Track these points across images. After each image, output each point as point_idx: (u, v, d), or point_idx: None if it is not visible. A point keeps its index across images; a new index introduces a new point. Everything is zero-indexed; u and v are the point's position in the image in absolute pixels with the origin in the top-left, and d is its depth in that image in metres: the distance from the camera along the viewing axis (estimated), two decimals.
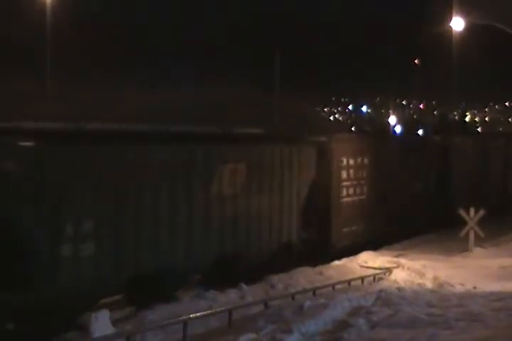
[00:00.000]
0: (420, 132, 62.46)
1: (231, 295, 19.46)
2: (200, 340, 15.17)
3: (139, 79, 57.56)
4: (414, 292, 19.74)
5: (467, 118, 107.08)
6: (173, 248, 18.85)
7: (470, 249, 28.40)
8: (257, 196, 21.99)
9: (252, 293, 19.94)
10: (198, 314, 15.71)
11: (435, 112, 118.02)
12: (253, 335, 13.78)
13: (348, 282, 22.04)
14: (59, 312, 15.43)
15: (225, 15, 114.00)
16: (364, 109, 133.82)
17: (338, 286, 21.21)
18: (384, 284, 22.04)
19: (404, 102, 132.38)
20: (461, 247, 28.42)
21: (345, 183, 27.54)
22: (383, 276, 23.42)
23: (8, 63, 45.13)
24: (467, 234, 28.53)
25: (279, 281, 21.49)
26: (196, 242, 19.61)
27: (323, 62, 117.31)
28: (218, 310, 16.66)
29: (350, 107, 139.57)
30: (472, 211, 28.58)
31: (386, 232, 29.42)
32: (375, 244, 28.17)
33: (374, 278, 23.16)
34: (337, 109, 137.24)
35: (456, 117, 71.68)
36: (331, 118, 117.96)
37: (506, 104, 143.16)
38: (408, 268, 24.13)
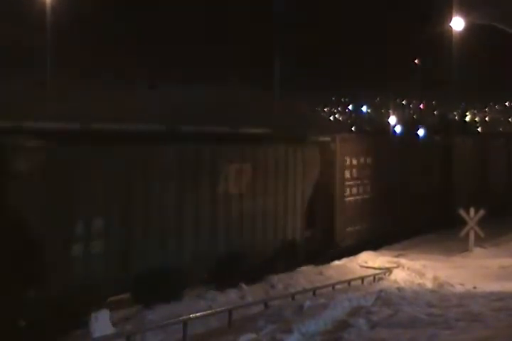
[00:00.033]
0: (420, 132, 62.41)
1: (231, 295, 19.47)
2: (200, 340, 15.17)
3: (139, 79, 57.53)
4: (414, 292, 19.74)
5: (467, 118, 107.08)
6: (180, 247, 19.08)
7: (470, 249, 28.41)
8: (262, 195, 22.19)
9: (252, 293, 19.95)
10: (198, 314, 15.72)
11: (435, 112, 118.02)
12: (253, 335, 13.78)
13: (348, 282, 22.04)
14: (69, 309, 15.65)
15: (225, 15, 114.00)
16: (364, 109, 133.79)
17: (338, 286, 21.21)
18: (384, 284, 22.04)
19: (404, 102, 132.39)
20: (461, 247, 28.42)
21: (348, 183, 27.76)
22: (383, 276, 23.43)
23: (8, 63, 45.10)
24: (467, 234, 28.54)
25: (279, 281, 21.50)
26: (203, 241, 19.84)
27: (323, 62, 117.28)
28: (218, 310, 16.67)
29: (350, 107, 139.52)
30: (472, 211, 28.59)
31: (389, 232, 29.58)
32: (378, 243, 28.34)
33: (374, 278, 23.17)
34: (337, 109, 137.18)
35: (456, 117, 71.68)
36: (331, 118, 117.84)
37: (506, 104, 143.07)
38: (408, 268, 24.14)
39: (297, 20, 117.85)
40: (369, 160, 28.97)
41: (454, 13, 41.97)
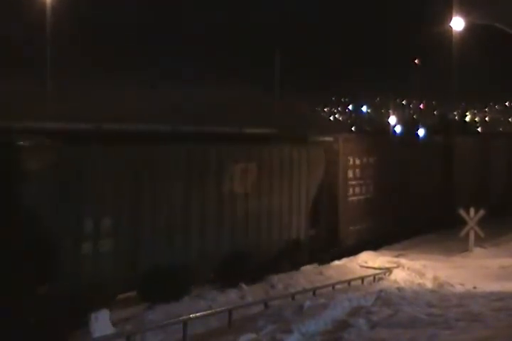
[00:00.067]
0: (420, 132, 62.41)
1: (231, 295, 19.47)
2: (200, 340, 15.17)
3: (139, 79, 57.54)
4: (414, 292, 19.74)
5: (467, 118, 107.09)
6: (186, 246, 19.31)
7: (470, 249, 28.41)
8: (268, 195, 22.40)
9: (252, 293, 19.95)
10: (198, 314, 15.72)
11: (435, 112, 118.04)
12: (253, 335, 13.78)
13: (348, 282, 22.04)
14: (79, 306, 15.81)
15: (225, 15, 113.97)
16: (364, 109, 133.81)
17: (338, 286, 21.21)
18: (384, 284, 22.04)
19: (404, 102, 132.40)
20: (461, 247, 28.42)
21: (351, 182, 28.00)
22: (383, 276, 23.42)
23: (8, 63, 45.09)
24: (467, 234, 28.53)
25: (279, 281, 21.50)
26: (209, 240, 20.07)
27: (323, 62, 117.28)
28: (218, 310, 16.67)
29: (350, 107, 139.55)
30: (472, 211, 28.59)
31: (391, 231, 29.74)
32: (380, 243, 28.50)
33: (374, 278, 23.17)
34: (337, 109, 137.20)
35: (456, 117, 71.68)
36: (331, 118, 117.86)
37: (506, 104, 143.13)
38: (408, 268, 24.13)
39: (297, 20, 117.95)
40: (371, 160, 29.17)
41: (454, 13, 41.95)
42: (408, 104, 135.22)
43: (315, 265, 24.56)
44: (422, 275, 23.50)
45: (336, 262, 25.49)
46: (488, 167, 39.31)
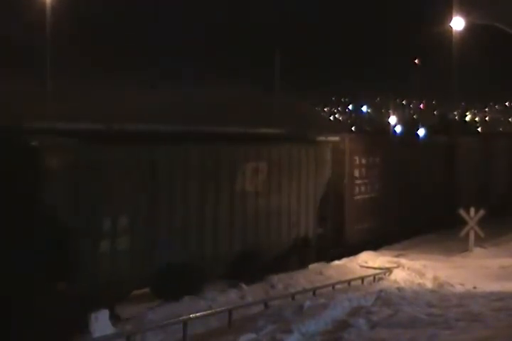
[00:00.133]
0: (421, 132, 62.43)
1: (231, 295, 19.47)
2: (200, 340, 15.17)
3: (139, 79, 57.54)
4: (414, 292, 19.74)
5: (467, 118, 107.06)
6: (200, 243, 19.71)
7: (470, 249, 28.39)
8: (277, 193, 22.75)
9: (252, 293, 19.95)
10: (198, 314, 15.73)
11: (435, 112, 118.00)
12: (253, 335, 13.78)
13: (348, 282, 22.04)
14: (96, 302, 16.04)
15: (225, 15, 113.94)
16: (364, 109, 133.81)
17: (338, 286, 21.21)
18: (384, 284, 22.03)
19: (404, 102, 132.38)
20: (461, 247, 28.41)
21: (357, 181, 28.36)
22: (383, 276, 23.42)
23: (8, 63, 45.08)
24: (467, 234, 28.52)
25: (279, 281, 21.50)
26: (221, 237, 20.47)
27: (323, 62, 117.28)
28: (218, 310, 16.68)
29: (350, 107, 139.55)
30: (472, 211, 28.59)
31: (395, 230, 30.08)
32: (382, 242, 28.74)
33: (374, 278, 23.16)
34: (337, 109, 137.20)
35: (456, 117, 71.65)
36: (331, 118, 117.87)
37: (506, 104, 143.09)
38: (408, 268, 24.12)
39: (297, 20, 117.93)
40: (376, 160, 29.56)
41: (454, 13, 41.96)
42: (408, 104, 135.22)
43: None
44: (422, 275, 23.49)
45: (336, 262, 25.51)
46: (489, 167, 39.32)
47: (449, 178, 35.50)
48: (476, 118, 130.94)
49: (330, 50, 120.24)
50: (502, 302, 16.31)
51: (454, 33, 44.07)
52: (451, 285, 21.92)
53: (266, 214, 22.26)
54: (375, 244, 28.05)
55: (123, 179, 17.39)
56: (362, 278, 22.58)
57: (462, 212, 28.69)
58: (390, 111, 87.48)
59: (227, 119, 27.02)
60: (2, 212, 15.67)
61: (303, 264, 23.85)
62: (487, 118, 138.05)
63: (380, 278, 23.12)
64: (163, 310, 17.52)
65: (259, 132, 24.68)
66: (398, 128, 74.40)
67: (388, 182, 30.07)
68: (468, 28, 43.41)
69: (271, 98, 45.06)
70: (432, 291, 20.44)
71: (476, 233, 28.40)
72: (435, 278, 22.89)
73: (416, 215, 31.70)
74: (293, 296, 19.03)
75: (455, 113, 69.88)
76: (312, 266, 24.36)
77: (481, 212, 28.44)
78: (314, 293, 19.72)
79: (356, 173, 28.24)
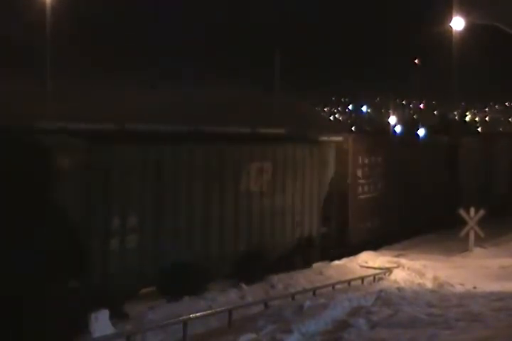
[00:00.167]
0: (421, 132, 62.43)
1: (231, 295, 19.47)
2: (200, 340, 15.17)
3: (139, 79, 57.57)
4: (414, 292, 19.73)
5: (467, 118, 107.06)
6: (206, 242, 19.87)
7: (470, 249, 28.39)
8: (281, 193, 22.89)
9: (252, 293, 19.95)
10: (198, 314, 15.72)
11: (435, 112, 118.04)
12: (253, 335, 13.77)
13: (348, 282, 22.03)
14: (105, 300, 16.25)
15: (225, 15, 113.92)
16: (364, 109, 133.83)
17: (338, 286, 21.21)
18: (384, 284, 22.03)
19: (404, 102, 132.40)
20: (461, 247, 28.40)
21: (361, 181, 28.55)
22: (383, 276, 23.41)
23: (8, 63, 45.10)
24: (467, 234, 28.51)
25: (279, 281, 21.50)
26: (226, 237, 20.59)
27: (323, 62, 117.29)
28: (218, 310, 16.67)
29: (350, 107, 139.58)
30: (472, 211, 28.59)
31: (398, 229, 30.22)
32: (382, 242, 28.86)
33: (374, 278, 23.15)
34: (337, 109, 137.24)
35: (456, 117, 71.63)
36: (331, 118, 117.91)
37: (506, 104, 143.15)
38: (408, 268, 24.11)
39: (297, 20, 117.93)
40: (378, 160, 29.73)
41: (454, 13, 41.97)
42: (408, 104, 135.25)
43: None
44: (422, 275, 23.48)
45: (336, 262, 25.51)
46: (490, 167, 39.34)
47: (450, 178, 35.54)
48: (476, 118, 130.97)
49: (330, 50, 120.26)
50: (502, 302, 16.31)
51: (454, 33, 44.08)
52: (451, 285, 21.92)
53: (270, 214, 22.40)
54: (375, 244, 28.13)
55: (131, 179, 17.59)
56: (362, 278, 22.57)
57: (462, 212, 28.69)
58: (390, 111, 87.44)
59: (228, 119, 27.09)
60: (14, 211, 15.82)
61: (307, 264, 23.99)
62: (487, 118, 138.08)
63: (380, 278, 23.11)
64: (163, 310, 17.52)
65: (264, 132, 24.84)
66: (398, 128, 74.37)
67: (390, 181, 30.28)
68: (468, 28, 43.43)
69: (271, 98, 45.08)
70: (432, 291, 20.43)
71: (476, 233, 28.39)
72: (435, 278, 22.88)
73: (420, 215, 31.85)
74: (293, 296, 19.02)
75: (455, 113, 69.85)
76: (313, 266, 24.42)
77: (481, 212, 28.43)
78: (314, 293, 19.72)
79: (359, 173, 28.42)
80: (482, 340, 12.12)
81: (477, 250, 28.43)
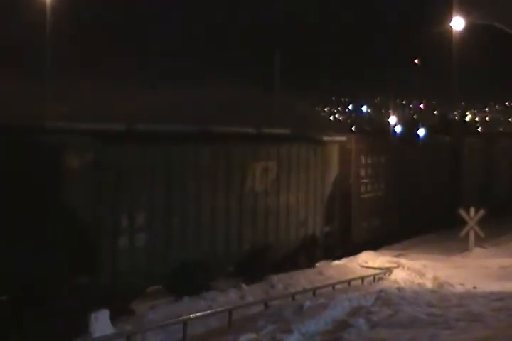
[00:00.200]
0: (421, 132, 62.37)
1: (231, 295, 19.47)
2: (200, 340, 15.17)
3: (139, 79, 57.58)
4: (414, 292, 19.73)
5: (467, 118, 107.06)
6: (212, 242, 20.03)
7: (470, 249, 28.39)
8: (286, 192, 23.07)
9: (252, 293, 19.95)
10: (198, 314, 15.73)
11: (435, 112, 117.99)
12: (253, 335, 13.77)
13: (348, 282, 22.04)
14: (113, 298, 16.53)
15: (225, 15, 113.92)
16: (364, 109, 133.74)
17: (338, 286, 21.21)
18: (384, 284, 22.03)
19: (404, 102, 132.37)
20: (461, 247, 28.41)
21: (363, 181, 28.80)
22: (383, 276, 23.41)
23: (8, 63, 45.10)
24: (467, 234, 28.52)
25: (279, 281, 21.50)
26: (232, 236, 20.75)
27: (323, 62, 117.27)
28: (218, 310, 16.68)
29: (350, 107, 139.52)
30: (472, 211, 28.59)
31: (399, 228, 30.32)
32: (390, 240, 29.16)
33: (374, 278, 23.16)
34: (337, 109, 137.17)
35: (456, 117, 71.67)
36: (331, 118, 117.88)
37: (506, 104, 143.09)
38: (408, 268, 24.12)
39: (297, 20, 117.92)
40: (380, 159, 29.95)
41: (454, 13, 41.93)
42: (408, 104, 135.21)
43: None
44: (422, 275, 23.48)
45: (336, 262, 25.53)
46: (490, 167, 39.35)
47: (450, 178, 35.56)
48: (476, 118, 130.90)
49: (330, 50, 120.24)
50: (502, 302, 16.31)
51: (454, 33, 44.03)
52: (451, 285, 21.92)
53: (275, 213, 22.59)
54: (376, 244, 28.21)
55: (140, 178, 17.74)
56: (362, 278, 22.58)
57: (462, 212, 28.69)
58: (390, 111, 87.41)
59: (228, 120, 27.13)
60: (26, 211, 15.87)
61: (311, 263, 24.17)
62: (487, 118, 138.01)
63: (380, 278, 23.11)
64: (163, 310, 17.52)
65: (269, 132, 25.04)
66: (398, 128, 74.30)
67: (391, 181, 30.45)
68: (468, 28, 43.38)
69: (271, 98, 45.10)
70: (432, 291, 20.43)
71: (476, 233, 28.39)
72: (435, 278, 22.88)
73: (416, 215, 31.89)
74: (293, 296, 19.03)
75: (455, 113, 69.86)
76: (316, 265, 24.56)
77: (481, 212, 28.44)
78: (314, 293, 19.72)
79: (362, 172, 28.66)
80: (482, 340, 12.12)
81: (477, 250, 28.43)
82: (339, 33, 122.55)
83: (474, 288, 21.62)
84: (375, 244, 27.92)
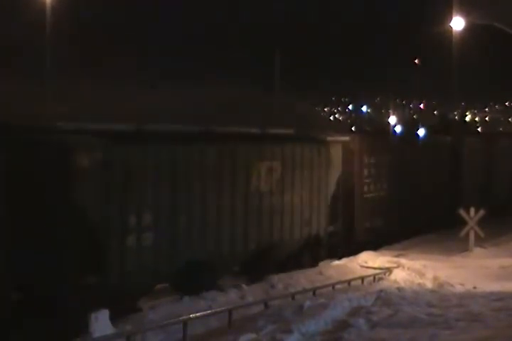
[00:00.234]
0: (421, 132, 62.36)
1: (231, 295, 19.48)
2: (200, 340, 15.17)
3: (139, 79, 57.56)
4: (414, 292, 19.73)
5: (467, 118, 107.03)
6: (217, 242, 20.18)
7: (470, 249, 28.38)
8: (290, 192, 23.22)
9: (252, 292, 19.96)
10: (198, 314, 15.73)
11: (435, 112, 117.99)
12: (253, 335, 13.77)
13: (348, 282, 22.04)
14: (122, 297, 16.75)
15: (225, 16, 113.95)
16: (364, 109, 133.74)
17: (338, 286, 21.21)
18: (384, 284, 22.02)
19: (404, 102, 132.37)
20: (461, 247, 28.40)
21: (366, 180, 28.94)
22: (383, 276, 23.41)
23: (8, 63, 45.09)
24: (467, 234, 28.51)
25: (279, 281, 21.50)
26: (237, 235, 20.90)
27: (323, 62, 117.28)
28: (218, 310, 16.69)
29: (350, 107, 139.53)
30: (472, 211, 28.58)
31: (401, 228, 30.35)
32: (392, 240, 29.22)
33: (374, 278, 23.15)
34: (337, 109, 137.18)
35: (456, 117, 71.60)
36: (331, 118, 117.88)
37: (506, 104, 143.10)
38: (408, 268, 24.11)
39: (297, 20, 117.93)
40: (383, 159, 30.08)
41: (454, 13, 41.93)
42: (408, 104, 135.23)
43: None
44: (422, 275, 23.48)
45: (336, 262, 25.53)
46: (490, 167, 39.34)
47: (450, 178, 35.57)
48: (476, 118, 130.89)
49: (330, 50, 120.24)
50: (502, 302, 16.31)
51: (454, 33, 44.03)
52: (451, 285, 21.92)
53: (280, 213, 22.74)
54: (376, 244, 28.25)
55: (148, 178, 17.90)
56: (362, 278, 22.58)
57: (462, 212, 28.68)
58: (390, 111, 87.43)
59: (228, 120, 27.15)
60: (36, 210, 15.97)
61: (315, 262, 24.30)
62: (487, 118, 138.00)
63: (380, 278, 23.11)
64: (163, 310, 17.53)
65: (273, 132, 25.19)
66: (398, 128, 74.29)
67: (392, 181, 30.55)
68: (468, 28, 43.37)
69: (271, 98, 45.10)
70: (432, 291, 20.42)
71: (476, 233, 28.39)
72: (435, 278, 22.88)
73: (417, 215, 31.92)
74: (293, 296, 19.03)
75: (455, 113, 69.81)
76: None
77: (481, 212, 28.43)
78: (314, 293, 19.72)
79: (365, 172, 28.79)
80: (482, 340, 12.12)
81: (477, 250, 28.43)
82: (339, 33, 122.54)
83: (474, 288, 21.62)
84: (375, 244, 27.99)
